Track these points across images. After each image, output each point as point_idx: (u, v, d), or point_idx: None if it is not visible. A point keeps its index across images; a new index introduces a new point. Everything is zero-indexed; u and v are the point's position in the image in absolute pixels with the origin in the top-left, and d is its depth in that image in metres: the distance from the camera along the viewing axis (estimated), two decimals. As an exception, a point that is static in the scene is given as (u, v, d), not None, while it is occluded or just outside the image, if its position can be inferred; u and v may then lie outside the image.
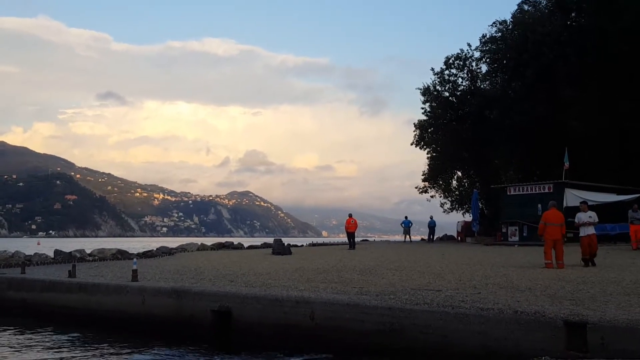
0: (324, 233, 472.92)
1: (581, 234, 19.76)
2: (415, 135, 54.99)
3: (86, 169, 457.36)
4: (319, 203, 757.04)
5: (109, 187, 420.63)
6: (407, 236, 51.48)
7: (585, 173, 38.91)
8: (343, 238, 47.74)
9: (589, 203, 21.70)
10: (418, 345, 10.92)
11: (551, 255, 19.11)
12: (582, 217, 19.81)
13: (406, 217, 51.82)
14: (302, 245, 44.73)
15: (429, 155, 55.73)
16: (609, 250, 26.89)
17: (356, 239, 39.30)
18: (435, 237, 52.86)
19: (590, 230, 19.52)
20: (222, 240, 48.28)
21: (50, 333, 15.11)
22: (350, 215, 36.99)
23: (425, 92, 52.72)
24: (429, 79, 58.65)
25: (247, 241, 56.07)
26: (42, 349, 13.37)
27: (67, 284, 17.50)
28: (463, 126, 51.62)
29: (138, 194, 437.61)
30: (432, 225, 51.71)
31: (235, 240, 47.95)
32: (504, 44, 46.27)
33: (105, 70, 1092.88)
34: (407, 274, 17.82)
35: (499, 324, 10.29)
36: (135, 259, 19.13)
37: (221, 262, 24.48)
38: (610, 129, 39.49)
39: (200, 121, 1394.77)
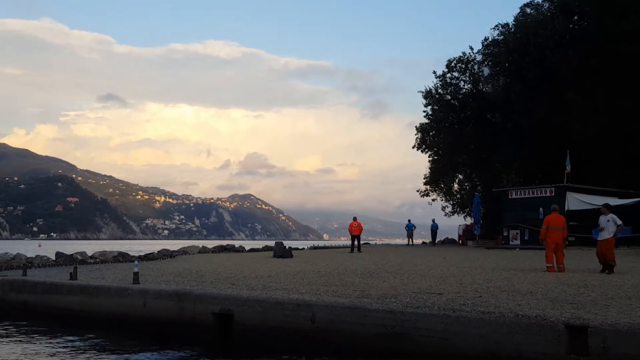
0: (325, 236, 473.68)
1: (598, 239, 19.11)
2: (417, 138, 55.02)
3: (88, 171, 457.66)
4: (321, 206, 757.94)
5: (111, 190, 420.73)
6: (410, 239, 51.50)
7: (588, 176, 38.92)
8: (345, 241, 47.66)
9: (592, 207, 21.54)
10: (419, 349, 10.91)
11: (552, 259, 19.08)
12: (601, 221, 18.97)
13: (409, 221, 51.80)
14: (303, 249, 44.77)
15: (431, 158, 55.77)
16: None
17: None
18: (436, 241, 52.85)
19: (605, 235, 18.75)
20: (224, 243, 48.26)
21: (51, 335, 15.09)
22: (354, 219, 36.92)
23: (427, 95, 52.72)
24: (430, 82, 58.67)
25: (248, 244, 56.11)
26: (43, 351, 13.36)
27: (68, 287, 17.49)
28: (465, 129, 51.65)
29: (139, 197, 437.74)
30: (434, 229, 51.64)
31: (237, 243, 47.96)
32: (506, 47, 46.28)
33: (108, 72, 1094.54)
34: (409, 277, 17.81)
35: (501, 327, 10.29)
36: (136, 262, 19.12)
37: (222, 264, 24.47)
38: (613, 132, 39.48)
39: (203, 124, 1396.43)
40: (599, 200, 32.89)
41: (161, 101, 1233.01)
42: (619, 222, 18.89)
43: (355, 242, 36.38)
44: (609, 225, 18.86)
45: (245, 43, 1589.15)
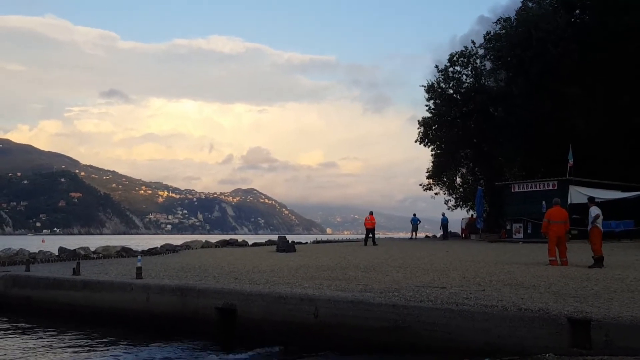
0: (329, 230, 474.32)
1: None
2: (419, 132, 54.98)
3: (91, 166, 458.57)
4: (323, 200, 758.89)
5: (114, 185, 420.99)
6: (414, 233, 51.53)
7: (590, 170, 38.85)
8: (348, 235, 47.71)
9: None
10: (422, 343, 10.92)
11: (555, 252, 19.06)
12: None
13: (414, 215, 51.78)
14: (306, 243, 44.77)
15: (433, 152, 55.75)
16: (613, 247, 26.84)
17: (361, 237, 39.62)
18: (439, 235, 52.79)
19: (589, 227, 18.92)
20: (227, 237, 48.27)
21: (54, 330, 15.13)
22: (370, 213, 37.33)
23: (430, 89, 52.64)
24: (432, 75, 58.44)
25: (251, 238, 56.13)
26: (47, 346, 13.40)
27: (71, 282, 17.53)
28: (467, 123, 51.60)
29: (142, 192, 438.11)
30: (445, 222, 51.58)
31: (240, 238, 47.98)
32: (508, 41, 46.16)
33: (111, 68, 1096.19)
34: (411, 271, 17.81)
35: (503, 321, 10.29)
36: (139, 257, 19.11)
37: (225, 259, 24.50)
38: (615, 125, 39.41)
39: (206, 119, 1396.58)
40: (601, 194, 32.96)
41: (164, 96, 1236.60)
42: (593, 213, 18.81)
43: (370, 235, 36.99)
44: (589, 218, 18.98)
45: (248, 38, 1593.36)
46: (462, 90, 51.89)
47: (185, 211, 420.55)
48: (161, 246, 34.93)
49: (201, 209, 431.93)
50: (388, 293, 12.62)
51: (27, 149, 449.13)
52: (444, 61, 53.14)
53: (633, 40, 37.63)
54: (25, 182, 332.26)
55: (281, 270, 18.73)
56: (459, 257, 24.15)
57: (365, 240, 36.98)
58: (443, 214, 52.13)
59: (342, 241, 50.59)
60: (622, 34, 38.28)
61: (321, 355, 11.68)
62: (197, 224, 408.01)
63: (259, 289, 13.81)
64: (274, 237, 41.67)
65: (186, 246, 36.25)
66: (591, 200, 19.69)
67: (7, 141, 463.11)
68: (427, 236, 59.84)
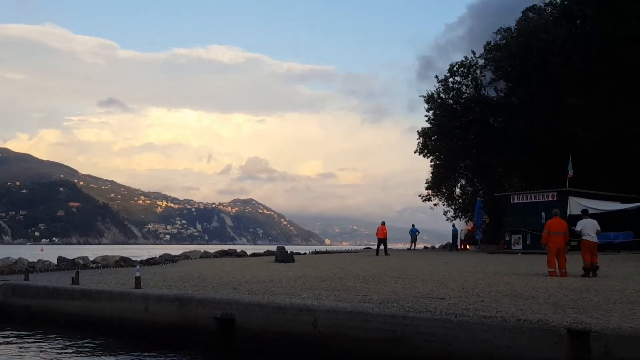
0: (327, 241, 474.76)
1: None
2: (418, 143, 54.97)
3: (90, 176, 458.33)
4: (322, 211, 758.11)
5: (113, 194, 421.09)
6: (413, 244, 51.54)
7: (590, 181, 38.85)
8: (347, 246, 47.66)
9: (591, 212, 21.63)
10: (421, 354, 10.88)
11: (554, 263, 19.06)
12: None
13: (413, 225, 51.80)
14: (305, 253, 44.73)
15: (433, 163, 55.70)
16: (612, 258, 26.82)
17: (359, 247, 39.67)
18: (438, 246, 52.78)
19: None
20: (225, 247, 48.27)
21: (53, 340, 15.09)
22: (382, 224, 37.42)
23: (429, 99, 52.65)
24: (432, 86, 58.50)
25: (250, 249, 56.09)
26: (45, 356, 13.35)
27: (70, 291, 17.50)
28: (467, 134, 51.58)
29: (141, 202, 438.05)
30: (455, 233, 51.60)
31: (238, 248, 47.98)
32: (508, 52, 46.22)
33: (111, 77, 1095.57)
34: (410, 281, 17.79)
35: (502, 332, 10.26)
36: (138, 266, 19.11)
37: (224, 269, 24.48)
38: (616, 136, 39.41)
39: (205, 128, 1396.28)
40: (601, 205, 32.98)
41: (164, 106, 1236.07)
42: (577, 227, 19.41)
43: (381, 246, 37.29)
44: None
45: (248, 48, 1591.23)
46: (462, 101, 51.90)
47: (183, 221, 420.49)
48: (160, 256, 34.96)
49: (200, 219, 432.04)
50: (387, 304, 12.60)
51: (26, 158, 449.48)
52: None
53: (635, 47, 37.59)
54: (24, 191, 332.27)
55: (280, 280, 18.71)
56: (457, 268, 24.13)
57: (377, 250, 37.19)
58: (453, 225, 52.24)
59: (340, 252, 50.56)
60: (623, 41, 38.27)
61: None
62: (196, 234, 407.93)
63: (258, 299, 13.79)
64: (273, 248, 41.67)
65: (185, 256, 36.27)
66: (584, 212, 19.97)
67: (6, 150, 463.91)
68: (425, 247, 59.78)
